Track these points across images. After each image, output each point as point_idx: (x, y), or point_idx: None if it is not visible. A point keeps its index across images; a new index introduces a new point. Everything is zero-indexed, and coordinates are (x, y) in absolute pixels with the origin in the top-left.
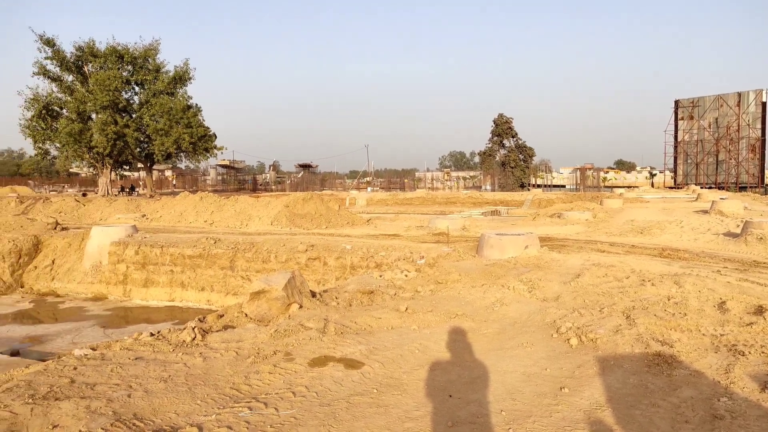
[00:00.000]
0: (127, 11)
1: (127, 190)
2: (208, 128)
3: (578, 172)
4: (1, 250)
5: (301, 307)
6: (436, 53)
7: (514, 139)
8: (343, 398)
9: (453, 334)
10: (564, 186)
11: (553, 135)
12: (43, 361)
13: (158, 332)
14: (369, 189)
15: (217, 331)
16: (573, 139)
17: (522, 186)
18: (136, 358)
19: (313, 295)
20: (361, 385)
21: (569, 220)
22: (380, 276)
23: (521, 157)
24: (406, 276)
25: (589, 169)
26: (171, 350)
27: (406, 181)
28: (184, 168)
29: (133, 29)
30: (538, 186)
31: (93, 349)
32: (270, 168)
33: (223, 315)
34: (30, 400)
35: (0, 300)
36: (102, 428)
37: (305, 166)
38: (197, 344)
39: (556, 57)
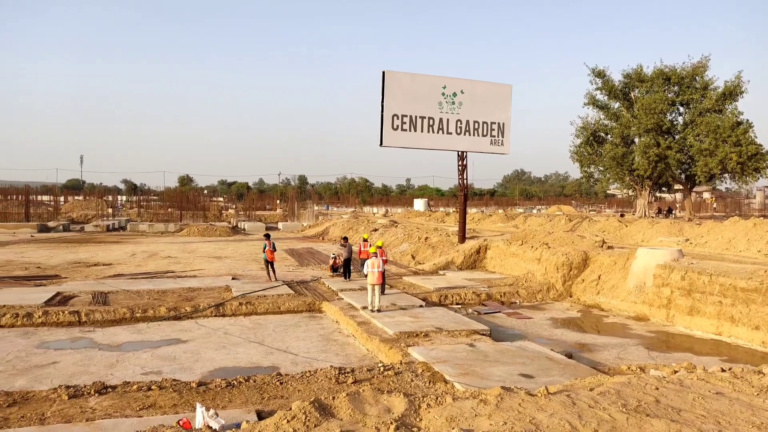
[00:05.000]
0: (680, 37)
1: (665, 212)
2: (761, 146)
3: None
4: (556, 261)
5: None
6: None
7: None
8: None
9: None
10: None
11: None
12: (595, 368)
13: (730, 369)
14: None
15: None
16: None
17: None
18: (716, 393)
19: None
20: None
21: None
22: None
23: None
24: None
25: None
26: (755, 393)
27: None
28: (724, 190)
29: (681, 50)
30: None
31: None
32: None
33: None
34: (623, 409)
35: (553, 305)
36: None
37: None
38: None
39: None
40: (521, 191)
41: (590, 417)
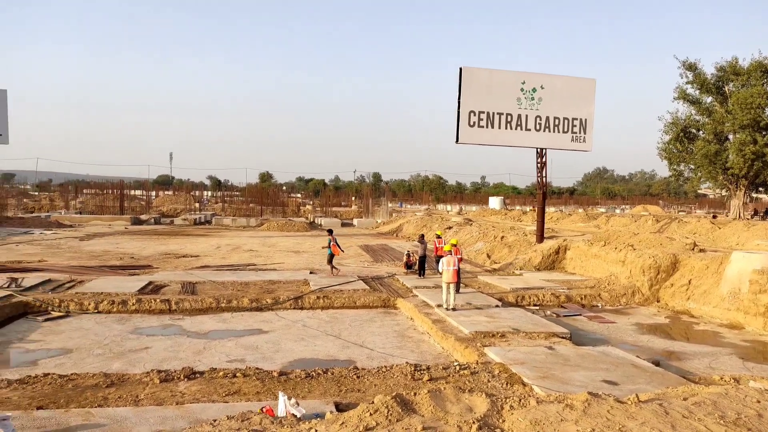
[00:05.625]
0: None
1: (761, 214)
2: None
3: None
4: (642, 264)
5: None
6: None
7: None
8: None
9: None
10: None
11: None
12: (684, 378)
13: None
14: None
15: None
16: None
17: None
18: None
19: None
20: None
21: None
22: None
23: None
24: None
25: None
26: None
27: None
28: None
29: None
30: None
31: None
32: None
33: None
34: (721, 422)
35: (638, 310)
36: None
37: None
38: None
39: None
40: (603, 190)
41: (684, 428)
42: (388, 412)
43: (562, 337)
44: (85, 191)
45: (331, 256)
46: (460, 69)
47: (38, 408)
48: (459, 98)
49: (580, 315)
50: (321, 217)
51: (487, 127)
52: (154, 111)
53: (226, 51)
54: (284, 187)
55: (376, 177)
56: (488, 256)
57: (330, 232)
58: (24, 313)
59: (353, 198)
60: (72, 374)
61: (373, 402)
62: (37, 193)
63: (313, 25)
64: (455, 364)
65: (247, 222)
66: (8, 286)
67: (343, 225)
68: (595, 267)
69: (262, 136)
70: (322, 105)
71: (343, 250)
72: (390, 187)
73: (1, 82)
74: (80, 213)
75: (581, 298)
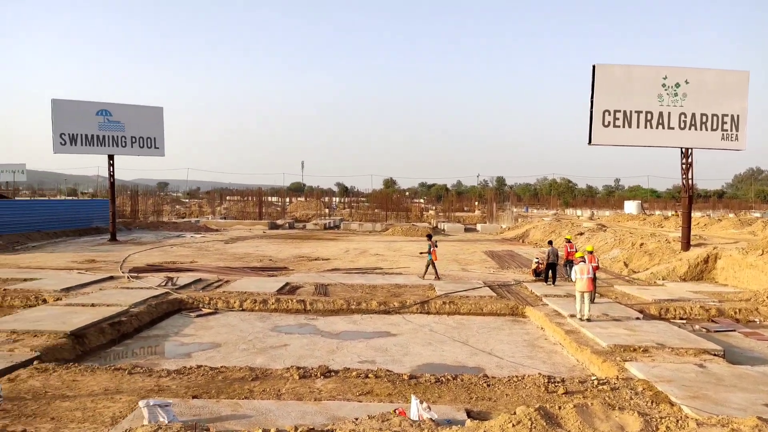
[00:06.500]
0: None
1: None
2: None
3: None
4: None
5: None
6: None
7: None
8: None
9: None
10: None
11: None
12: None
13: None
14: None
15: None
16: None
17: None
18: None
19: None
20: None
21: None
22: None
23: None
24: None
25: None
26: None
27: None
28: None
29: None
30: None
31: None
32: None
33: None
34: None
35: None
36: None
37: None
38: None
39: None
40: (758, 192)
41: None
42: (531, 425)
43: (714, 354)
44: (228, 198)
45: (431, 261)
46: (593, 66)
47: (193, 397)
48: (592, 97)
49: (734, 331)
50: (444, 222)
51: (623, 126)
52: (287, 120)
53: (353, 64)
54: (407, 193)
55: (500, 181)
56: (625, 265)
57: (429, 237)
58: (179, 309)
59: (476, 203)
60: (221, 367)
61: (515, 413)
62: (187, 200)
63: (436, 37)
64: (593, 378)
65: (373, 227)
66: (165, 285)
67: (466, 230)
68: (752, 278)
69: (386, 143)
70: (445, 110)
71: (436, 258)
72: (514, 191)
73: (158, 100)
74: (224, 218)
75: (735, 312)
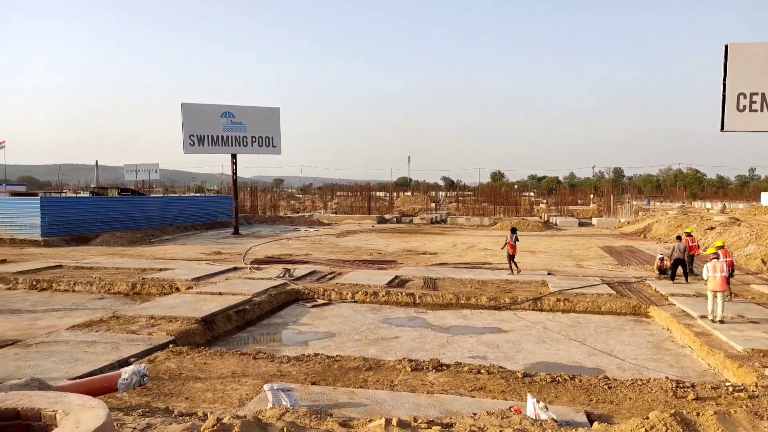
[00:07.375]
0: None
1: None
2: None
3: None
4: None
5: None
6: None
7: None
8: None
9: None
10: None
11: None
12: None
13: None
14: None
15: None
16: None
17: None
18: None
19: None
20: None
21: None
22: None
23: None
24: None
25: None
26: None
27: None
28: None
29: None
30: None
31: None
32: None
33: None
34: None
35: None
36: None
37: None
38: None
39: None
40: None
41: None
42: (666, 431)
43: None
44: (338, 193)
45: (511, 255)
46: (726, 46)
47: (312, 383)
48: (724, 80)
49: None
50: (556, 216)
51: (761, 110)
52: (392, 116)
53: (462, 66)
54: (516, 186)
55: (617, 172)
56: (763, 262)
57: (513, 231)
58: (296, 299)
59: (591, 195)
60: (337, 356)
61: (647, 417)
62: (301, 196)
63: (535, 24)
64: (727, 384)
65: (481, 221)
66: (283, 276)
67: (581, 224)
68: None
69: (493, 136)
70: (556, 102)
71: (513, 252)
72: (634, 182)
73: (276, 101)
74: (335, 213)
75: None
